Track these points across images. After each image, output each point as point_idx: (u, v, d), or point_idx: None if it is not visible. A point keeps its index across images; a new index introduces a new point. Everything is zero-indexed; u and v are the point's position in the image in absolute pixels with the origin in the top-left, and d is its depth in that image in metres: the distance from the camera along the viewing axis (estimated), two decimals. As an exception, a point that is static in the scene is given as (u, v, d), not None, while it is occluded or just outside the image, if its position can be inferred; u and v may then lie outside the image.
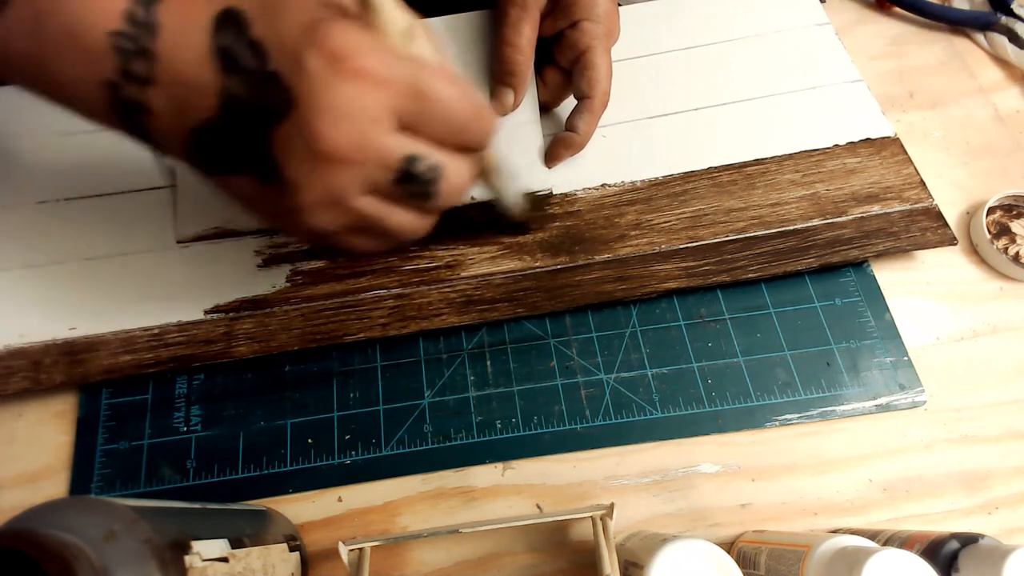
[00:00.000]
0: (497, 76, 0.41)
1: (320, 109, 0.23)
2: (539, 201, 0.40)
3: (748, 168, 0.42)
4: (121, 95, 0.25)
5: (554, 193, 0.41)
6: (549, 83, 0.42)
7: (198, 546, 0.24)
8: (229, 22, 0.25)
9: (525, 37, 0.39)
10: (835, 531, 0.34)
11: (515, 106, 0.42)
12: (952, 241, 0.39)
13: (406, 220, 0.28)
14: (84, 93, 0.26)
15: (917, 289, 0.41)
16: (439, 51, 0.27)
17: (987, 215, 0.42)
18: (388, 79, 0.24)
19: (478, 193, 0.37)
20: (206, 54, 0.24)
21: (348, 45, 0.23)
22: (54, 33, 0.25)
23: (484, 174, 0.33)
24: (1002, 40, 0.48)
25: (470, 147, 0.28)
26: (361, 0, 0.24)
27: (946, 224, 0.40)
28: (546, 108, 0.43)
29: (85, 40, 0.25)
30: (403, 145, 0.25)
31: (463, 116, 0.26)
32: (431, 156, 0.26)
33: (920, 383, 0.38)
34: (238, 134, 0.25)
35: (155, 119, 0.26)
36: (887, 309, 0.40)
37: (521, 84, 0.41)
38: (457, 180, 0.28)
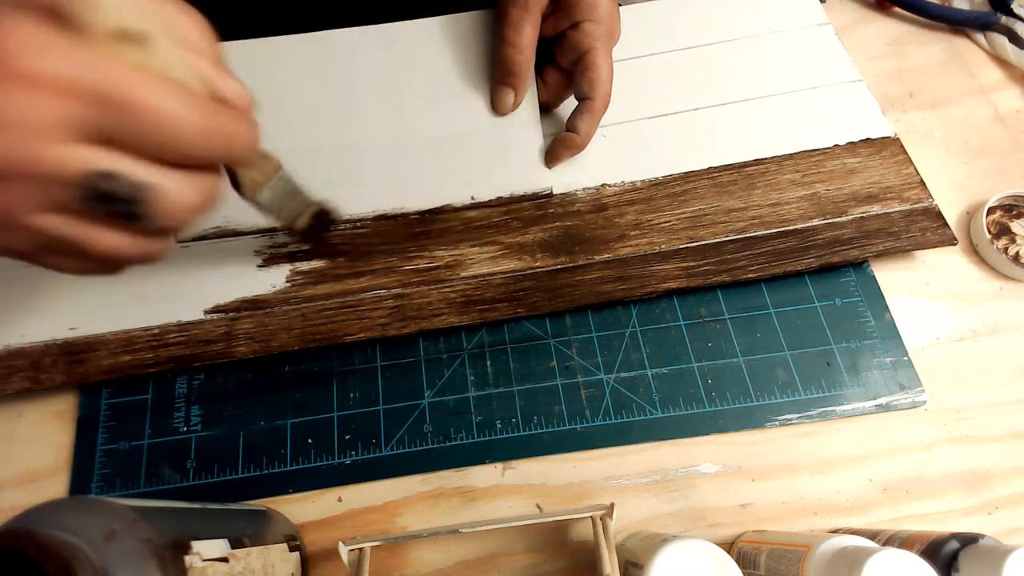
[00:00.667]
0: (498, 76, 0.41)
1: None
2: (324, 220, 0.35)
3: (748, 168, 0.42)
4: None
5: (554, 193, 0.41)
6: (550, 83, 0.42)
7: (198, 546, 0.24)
8: None
9: (526, 37, 0.39)
10: (835, 531, 0.34)
11: (515, 106, 0.42)
12: (952, 241, 0.39)
13: (121, 243, 0.24)
14: None
15: (917, 289, 0.41)
16: (200, 42, 0.24)
17: (987, 215, 0.42)
18: (68, 85, 0.20)
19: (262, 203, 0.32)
20: None
21: (14, 42, 0.20)
22: None
23: (253, 188, 0.30)
24: (1002, 40, 0.48)
25: (200, 162, 0.24)
26: None
27: (946, 224, 0.40)
28: (546, 108, 0.43)
29: None
30: (86, 160, 0.21)
31: (182, 129, 0.22)
32: (134, 173, 0.22)
33: (920, 383, 0.38)
34: None
35: None
36: (887, 309, 0.40)
37: (521, 84, 0.41)
38: (180, 199, 0.24)
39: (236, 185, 0.29)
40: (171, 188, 0.23)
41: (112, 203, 0.23)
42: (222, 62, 0.25)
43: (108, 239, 0.24)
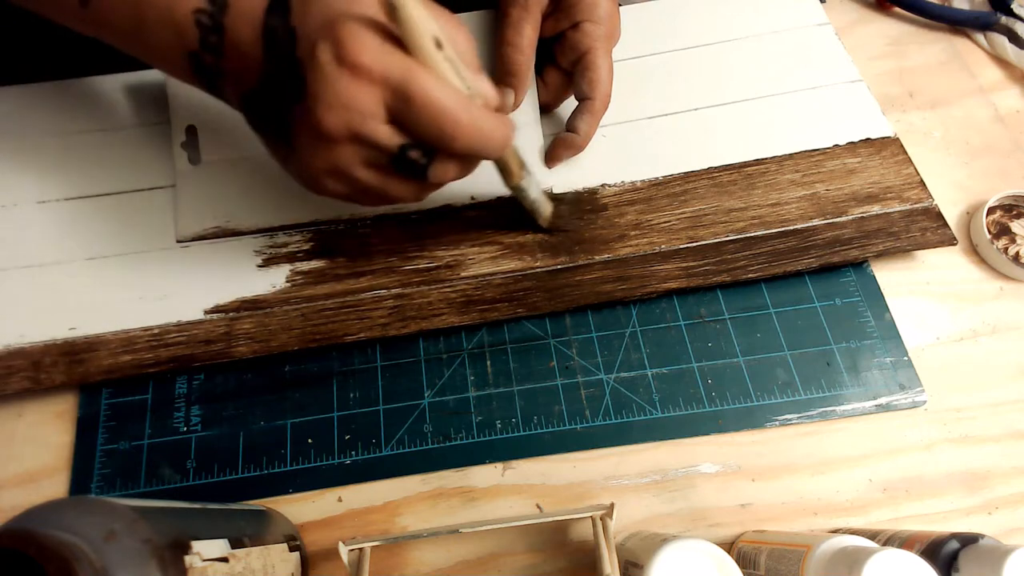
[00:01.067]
0: (498, 76, 0.41)
1: (320, 98, 0.27)
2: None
3: (748, 168, 0.42)
4: (201, 62, 0.30)
5: (554, 193, 0.41)
6: (550, 84, 0.42)
7: (198, 546, 0.24)
8: (278, 7, 0.28)
9: (526, 38, 0.39)
10: (835, 531, 0.34)
11: (515, 106, 0.42)
12: (952, 241, 0.39)
13: (404, 190, 0.32)
14: (172, 59, 0.30)
15: (917, 289, 0.41)
16: (468, 54, 0.29)
17: (987, 215, 0.42)
18: (381, 77, 0.27)
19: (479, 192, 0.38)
20: (259, 33, 0.28)
21: (353, 42, 0.26)
22: (151, 9, 0.29)
23: (505, 175, 0.35)
24: (1002, 40, 0.48)
25: (453, 152, 0.29)
26: (387, 5, 0.26)
27: (946, 224, 0.40)
28: (547, 109, 0.43)
29: (175, 16, 0.29)
30: (392, 136, 0.28)
31: (442, 124, 0.28)
32: (420, 148, 0.29)
33: (920, 383, 0.38)
34: (270, 105, 0.30)
35: (224, 82, 0.30)
36: (887, 309, 0.40)
37: (521, 84, 0.41)
38: (444, 173, 0.31)
39: (503, 172, 0.34)
40: (440, 164, 0.30)
41: (411, 167, 0.30)
42: (481, 69, 0.30)
43: (398, 188, 0.32)
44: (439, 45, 0.27)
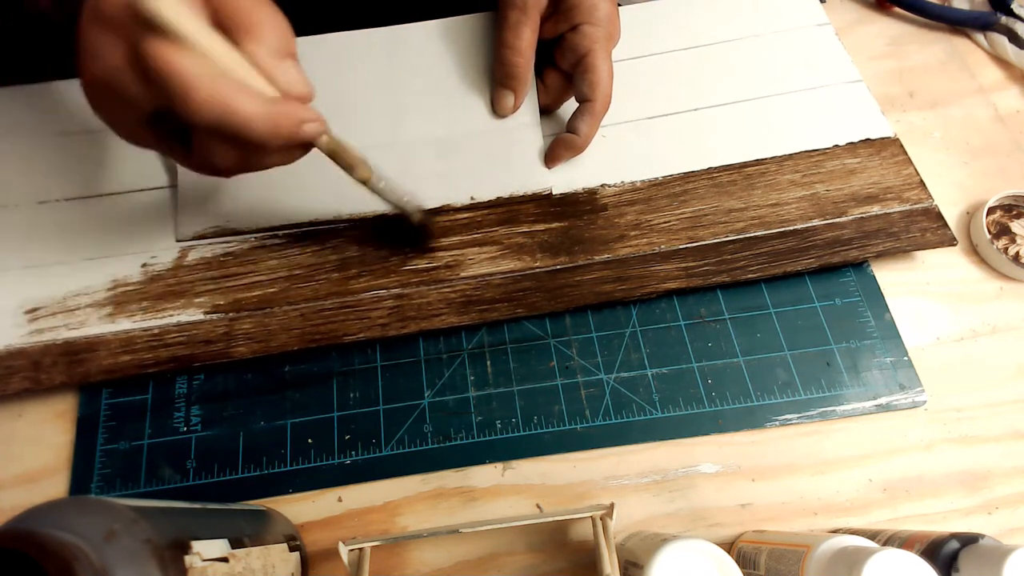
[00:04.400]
0: (498, 79, 0.41)
1: (79, 45, 0.27)
2: (425, 216, 0.39)
3: (748, 168, 0.42)
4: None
5: (554, 193, 0.41)
6: (550, 86, 0.42)
7: (198, 546, 0.24)
8: None
9: (525, 40, 0.39)
10: (835, 531, 0.34)
11: (515, 108, 0.42)
12: (952, 241, 0.39)
13: (185, 158, 0.31)
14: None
15: (917, 289, 0.41)
16: (271, 39, 0.28)
17: (987, 215, 0.42)
18: (124, 33, 0.26)
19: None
20: None
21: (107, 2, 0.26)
22: None
23: (346, 171, 0.33)
24: (1002, 40, 0.48)
25: (197, 124, 0.28)
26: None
27: (946, 224, 0.40)
28: (547, 111, 0.43)
29: None
30: (144, 98, 0.27)
31: (174, 92, 0.26)
32: (174, 116, 0.27)
33: (920, 383, 0.38)
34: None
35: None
36: (887, 309, 0.40)
37: (521, 87, 0.41)
38: (208, 150, 0.29)
39: (350, 168, 0.33)
40: (206, 137, 0.29)
41: (172, 132, 0.29)
42: (292, 56, 0.29)
43: (182, 156, 0.31)
44: (196, 21, 0.26)
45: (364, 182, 0.34)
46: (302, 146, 0.31)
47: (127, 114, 0.29)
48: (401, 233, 0.39)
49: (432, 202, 0.41)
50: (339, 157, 0.33)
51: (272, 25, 0.29)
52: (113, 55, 0.27)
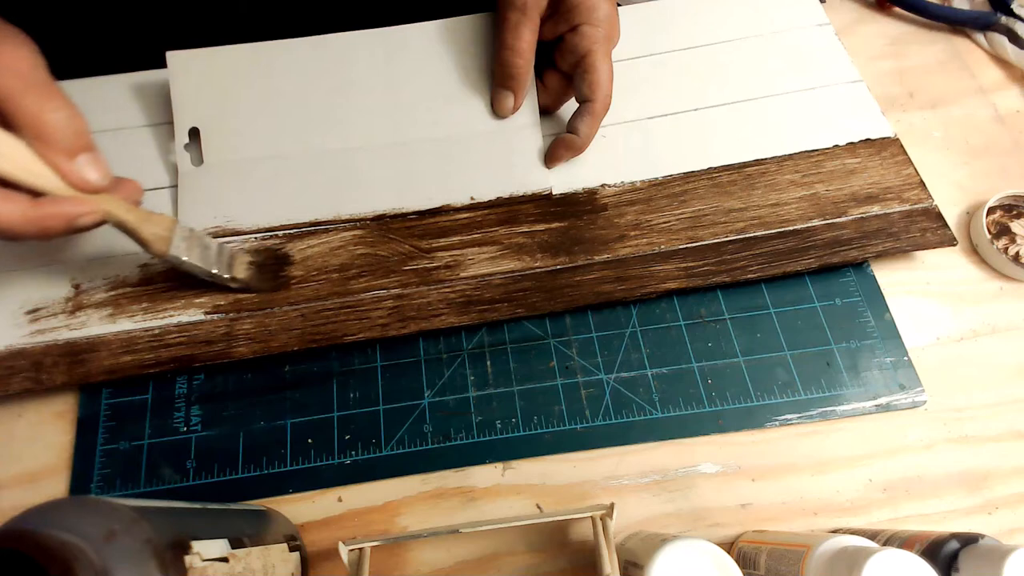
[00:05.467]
0: (497, 80, 0.41)
1: None
2: (266, 265, 0.39)
3: (748, 168, 0.42)
4: None
5: (554, 193, 0.41)
6: (550, 87, 0.42)
7: (198, 546, 0.24)
8: None
9: (525, 41, 0.39)
10: (835, 531, 0.34)
11: (515, 109, 0.42)
12: (952, 241, 0.39)
13: None
14: None
15: (917, 289, 0.41)
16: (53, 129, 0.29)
17: (987, 215, 0.42)
18: None
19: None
20: None
21: None
22: None
23: (161, 243, 0.34)
24: (1002, 40, 0.48)
25: None
26: None
27: (946, 224, 0.40)
28: (547, 111, 0.43)
29: None
30: None
31: None
32: None
33: (920, 383, 0.38)
34: None
35: None
36: (887, 309, 0.40)
37: (521, 88, 0.41)
38: None
39: (144, 245, 0.34)
40: None
41: None
42: (76, 152, 0.30)
43: None
44: None
45: (161, 257, 0.34)
46: (77, 230, 0.32)
47: None
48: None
49: (432, 202, 0.41)
50: (133, 235, 0.33)
51: (61, 125, 0.29)
52: None
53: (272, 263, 0.39)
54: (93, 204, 0.31)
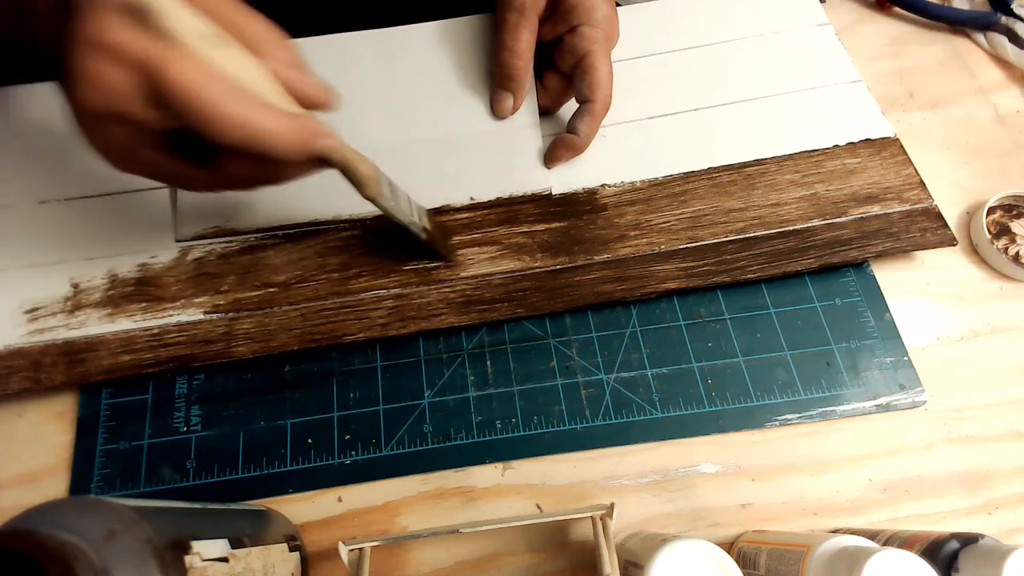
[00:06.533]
0: (497, 81, 0.41)
1: (72, 75, 0.26)
2: (441, 226, 0.39)
3: (748, 168, 0.42)
4: (24, 28, 0.29)
5: (554, 193, 0.41)
6: (549, 87, 0.42)
7: (198, 546, 0.24)
8: None
9: (524, 42, 0.39)
10: (835, 531, 0.34)
11: (514, 110, 0.42)
12: (952, 241, 0.39)
13: (201, 177, 0.30)
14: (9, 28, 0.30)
15: (917, 289, 0.41)
16: (282, 58, 0.28)
17: (987, 215, 0.42)
18: (130, 59, 0.25)
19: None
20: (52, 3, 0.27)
21: (99, 20, 0.25)
22: None
23: (355, 185, 0.32)
24: (1002, 40, 0.48)
25: (225, 145, 0.27)
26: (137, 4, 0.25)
27: (946, 224, 0.40)
28: (547, 112, 0.43)
29: None
30: (159, 119, 0.27)
31: (203, 115, 0.26)
32: (193, 135, 0.27)
33: (920, 383, 0.38)
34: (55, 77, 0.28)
35: (39, 42, 0.29)
36: (887, 309, 0.40)
37: (520, 89, 0.41)
38: (235, 166, 0.29)
39: (359, 185, 0.32)
40: (231, 153, 0.28)
41: (193, 152, 0.28)
42: (290, 64, 0.29)
43: (194, 174, 0.30)
44: (217, 42, 0.26)
45: (372, 200, 0.33)
46: (319, 161, 0.30)
47: (133, 143, 0.28)
48: (413, 246, 0.38)
49: (432, 202, 0.41)
50: (349, 173, 0.32)
51: (278, 39, 0.29)
52: (118, 82, 0.25)
53: (440, 225, 0.39)
54: (329, 128, 0.29)
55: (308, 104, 0.30)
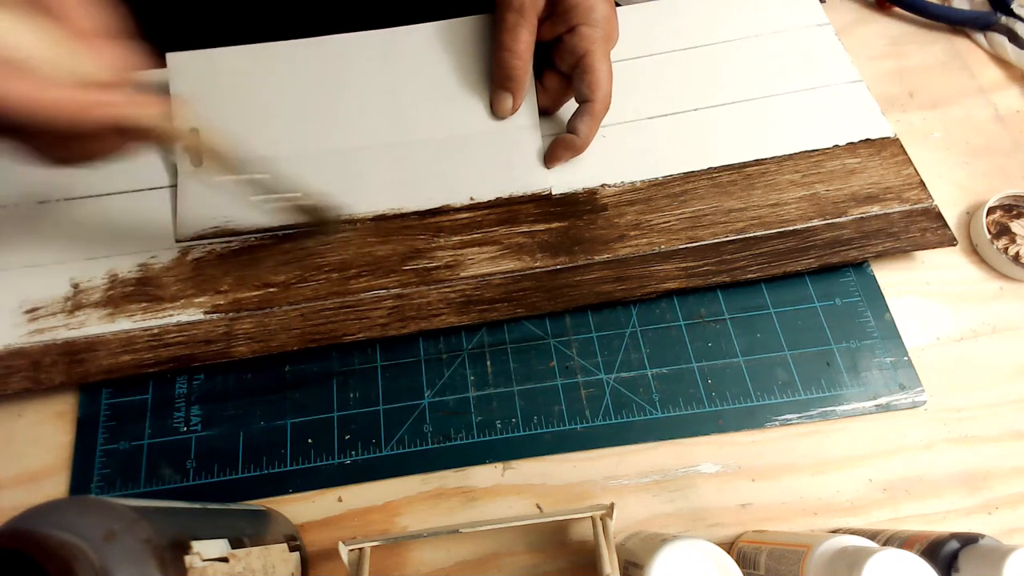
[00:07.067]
0: (496, 81, 0.41)
1: None
2: (318, 207, 0.38)
3: (748, 168, 0.42)
4: None
5: (553, 193, 0.41)
6: (549, 87, 0.42)
7: (198, 546, 0.24)
8: None
9: (523, 42, 0.39)
10: (835, 531, 0.34)
11: (514, 110, 0.42)
12: (952, 241, 0.39)
13: (30, 152, 0.28)
14: None
15: (917, 289, 0.41)
16: (74, 14, 0.26)
17: (987, 215, 0.42)
18: None
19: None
20: None
21: None
22: None
23: (195, 153, 0.31)
24: (1002, 40, 0.48)
25: (43, 122, 0.25)
26: None
27: (946, 224, 0.40)
28: (547, 112, 0.43)
29: None
30: None
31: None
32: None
33: (920, 383, 0.38)
34: None
35: None
36: (887, 309, 0.40)
37: (519, 89, 0.41)
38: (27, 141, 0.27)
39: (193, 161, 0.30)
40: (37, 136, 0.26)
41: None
42: (97, 39, 0.27)
43: (19, 148, 0.28)
44: None
45: (204, 171, 0.31)
46: (121, 133, 0.28)
47: None
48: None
49: (432, 202, 0.41)
50: (167, 144, 0.30)
51: (78, 4, 0.26)
52: None
53: (316, 208, 0.37)
54: (136, 97, 0.27)
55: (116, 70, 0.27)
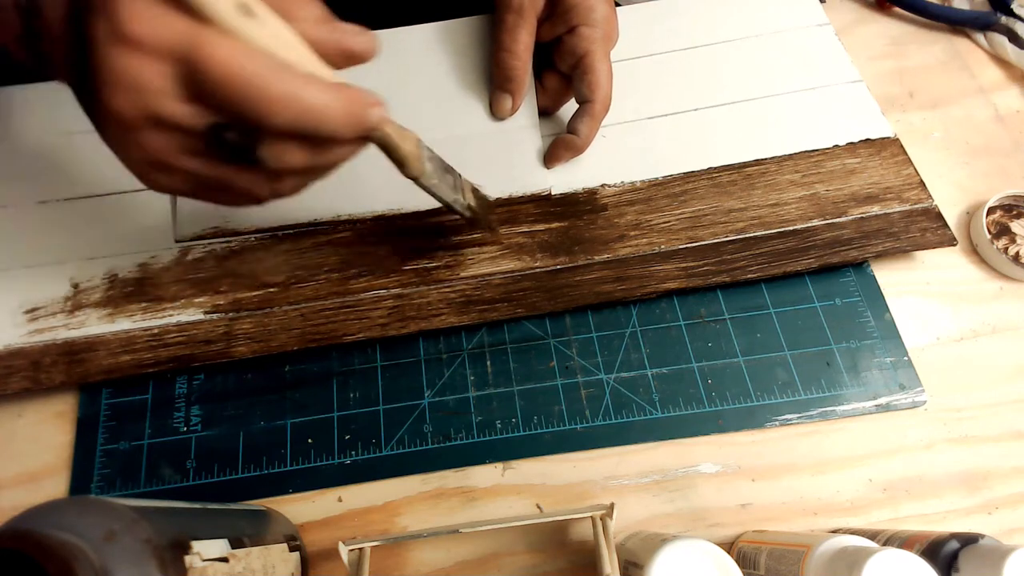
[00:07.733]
0: (496, 82, 0.41)
1: (101, 79, 0.23)
2: (485, 200, 0.38)
3: (748, 168, 0.42)
4: (31, 47, 0.27)
5: (553, 193, 0.41)
6: (549, 88, 0.42)
7: (198, 546, 0.24)
8: None
9: (522, 43, 0.39)
10: (835, 531, 0.34)
11: (514, 111, 0.42)
12: (952, 241, 0.39)
13: (247, 180, 0.27)
14: (12, 45, 0.27)
15: (917, 289, 0.41)
16: (292, 34, 0.25)
17: (987, 215, 0.42)
18: (162, 48, 0.23)
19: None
20: (64, 12, 0.24)
21: (124, 11, 0.22)
22: None
23: (396, 164, 0.30)
24: (1002, 40, 0.48)
25: (273, 129, 0.25)
26: None
27: (946, 224, 0.40)
28: (547, 113, 0.43)
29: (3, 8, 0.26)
30: (196, 116, 0.24)
31: (247, 96, 0.23)
32: (236, 128, 0.25)
33: (920, 383, 0.38)
34: (82, 94, 0.25)
35: (53, 70, 0.27)
36: (887, 309, 0.40)
37: (519, 89, 0.41)
38: (283, 157, 0.26)
39: (400, 163, 0.30)
40: (279, 142, 0.25)
41: (236, 151, 0.25)
42: (320, 21, 0.27)
43: (239, 178, 0.27)
44: (247, 11, 0.23)
45: (414, 179, 0.31)
46: (363, 138, 0.28)
47: (171, 150, 0.25)
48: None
49: (432, 202, 0.40)
50: (391, 151, 0.29)
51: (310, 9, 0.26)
52: (150, 78, 0.23)
53: (484, 199, 0.37)
54: (375, 95, 0.26)
55: (353, 60, 0.27)
